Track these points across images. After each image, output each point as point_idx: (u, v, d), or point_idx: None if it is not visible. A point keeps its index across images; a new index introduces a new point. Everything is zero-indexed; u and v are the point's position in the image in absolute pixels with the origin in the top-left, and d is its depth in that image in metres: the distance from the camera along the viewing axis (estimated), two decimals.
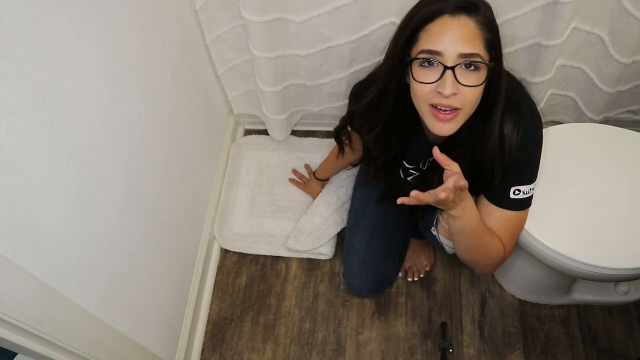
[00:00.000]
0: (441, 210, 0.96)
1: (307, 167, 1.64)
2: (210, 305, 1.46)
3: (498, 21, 0.83)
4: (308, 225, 1.49)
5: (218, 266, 1.53)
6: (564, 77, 1.42)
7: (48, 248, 0.74)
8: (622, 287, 1.36)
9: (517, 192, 0.94)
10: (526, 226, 1.04)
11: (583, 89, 1.44)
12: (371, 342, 1.38)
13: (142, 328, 1.08)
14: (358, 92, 1.06)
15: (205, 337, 1.41)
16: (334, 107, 1.59)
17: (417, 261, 1.46)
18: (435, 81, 0.81)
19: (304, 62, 1.40)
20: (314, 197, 1.56)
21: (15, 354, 0.86)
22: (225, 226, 1.55)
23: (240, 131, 1.79)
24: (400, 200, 0.80)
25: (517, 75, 0.97)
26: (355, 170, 1.51)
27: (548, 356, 1.33)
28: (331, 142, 1.60)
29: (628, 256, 1.02)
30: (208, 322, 1.44)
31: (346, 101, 1.15)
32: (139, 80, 1.02)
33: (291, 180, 1.62)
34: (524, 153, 0.92)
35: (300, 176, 1.62)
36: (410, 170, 1.11)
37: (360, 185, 1.42)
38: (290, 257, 1.52)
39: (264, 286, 1.48)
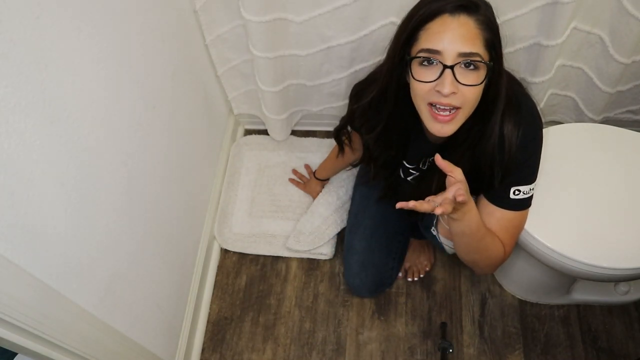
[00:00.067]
0: None
1: (307, 167, 1.64)
2: (210, 305, 1.46)
3: (498, 21, 0.83)
4: (308, 225, 1.49)
5: (218, 266, 1.53)
6: (564, 77, 1.42)
7: (48, 248, 0.74)
8: (622, 287, 1.36)
9: (517, 192, 0.94)
10: (526, 226, 1.04)
11: (583, 89, 1.44)
12: (371, 342, 1.38)
13: (142, 328, 1.08)
14: (358, 91, 1.06)
15: (205, 337, 1.41)
16: (334, 107, 1.59)
17: (417, 261, 1.46)
18: (435, 80, 0.81)
19: (304, 62, 1.40)
20: (314, 197, 1.56)
21: (15, 354, 0.86)
22: (225, 226, 1.55)
23: (240, 131, 1.79)
24: (399, 205, 0.80)
25: (517, 75, 0.97)
26: (355, 170, 1.51)
27: (548, 356, 1.33)
28: (331, 142, 1.60)
29: (628, 256, 1.02)
30: (208, 322, 1.44)
31: (346, 101, 1.15)
32: (139, 80, 1.02)
33: (291, 180, 1.62)
34: (524, 153, 0.91)
35: (300, 176, 1.62)
36: (411, 170, 1.11)
37: (360, 185, 1.42)
38: (290, 257, 1.52)
39: (264, 286, 1.48)
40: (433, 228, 1.08)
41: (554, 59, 1.29)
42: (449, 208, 0.78)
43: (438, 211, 0.76)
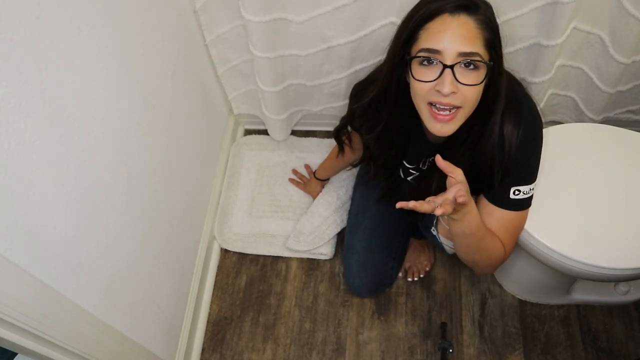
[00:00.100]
0: None
1: (307, 167, 1.64)
2: (210, 305, 1.46)
3: (498, 21, 0.83)
4: (308, 225, 1.49)
5: (218, 266, 1.53)
6: (564, 77, 1.42)
7: (48, 248, 0.74)
8: (622, 287, 1.36)
9: (517, 192, 0.94)
10: (526, 226, 1.04)
11: (583, 89, 1.44)
12: (371, 342, 1.38)
13: (142, 328, 1.08)
14: (358, 91, 1.06)
15: (205, 337, 1.41)
16: (334, 107, 1.59)
17: (417, 261, 1.46)
18: (435, 79, 0.81)
19: (304, 62, 1.40)
20: (314, 197, 1.56)
21: (15, 354, 0.86)
22: (225, 226, 1.55)
23: (240, 131, 1.79)
24: (399, 205, 0.80)
25: (517, 75, 0.97)
26: (355, 170, 1.51)
27: (548, 356, 1.33)
28: (331, 142, 1.60)
29: (628, 256, 1.02)
30: (208, 322, 1.44)
31: (346, 101, 1.15)
32: (139, 80, 1.02)
33: (291, 180, 1.62)
34: (524, 153, 0.91)
35: (300, 176, 1.62)
36: (411, 170, 1.11)
37: (360, 185, 1.42)
38: (290, 257, 1.52)
39: (264, 286, 1.48)
40: (433, 228, 1.08)
41: (554, 59, 1.29)
42: (449, 209, 0.78)
43: (438, 212, 0.76)
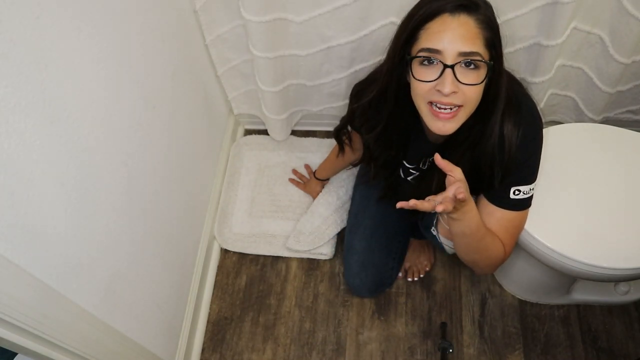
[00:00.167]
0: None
1: (307, 167, 1.64)
2: (210, 305, 1.46)
3: (498, 21, 0.83)
4: (308, 225, 1.48)
5: (218, 266, 1.53)
6: (564, 77, 1.42)
7: (48, 248, 0.74)
8: (622, 287, 1.36)
9: (517, 192, 0.94)
10: (526, 226, 1.04)
11: (583, 89, 1.44)
12: (371, 342, 1.38)
13: (142, 328, 1.08)
14: (358, 91, 1.06)
15: (205, 337, 1.41)
16: (334, 107, 1.59)
17: (417, 261, 1.46)
18: (435, 79, 0.81)
19: (304, 62, 1.40)
20: (314, 197, 1.56)
21: (15, 354, 0.86)
22: (225, 226, 1.55)
23: (240, 131, 1.79)
24: (399, 205, 0.80)
25: (517, 75, 0.97)
26: (355, 170, 1.51)
27: (548, 356, 1.33)
28: (331, 142, 1.60)
29: (628, 256, 1.02)
30: (208, 322, 1.44)
31: (346, 101, 1.15)
32: (139, 80, 1.02)
33: (291, 180, 1.62)
34: (524, 153, 0.91)
35: (300, 176, 1.62)
36: (411, 170, 1.11)
37: (360, 185, 1.42)
38: (290, 257, 1.52)
39: (264, 286, 1.48)
40: (433, 228, 1.08)
41: (554, 59, 1.29)
42: (449, 206, 0.78)
43: (439, 209, 0.76)
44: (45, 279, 0.74)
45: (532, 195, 0.97)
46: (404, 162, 1.10)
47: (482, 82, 0.81)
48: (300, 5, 1.22)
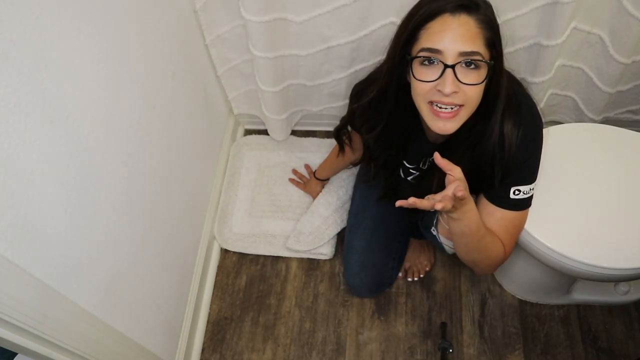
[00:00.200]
0: (442, 211, 0.96)
1: (307, 167, 1.64)
2: (210, 305, 1.46)
3: (498, 20, 0.83)
4: (308, 225, 1.48)
5: (218, 266, 1.53)
6: (564, 77, 1.42)
7: (48, 248, 0.74)
8: (622, 287, 1.36)
9: (517, 192, 0.94)
10: (526, 226, 1.04)
11: (583, 89, 1.44)
12: (371, 342, 1.38)
13: (142, 328, 1.08)
14: (359, 91, 1.06)
15: (205, 337, 1.41)
16: (334, 107, 1.59)
17: (417, 261, 1.46)
18: (436, 79, 0.81)
19: (304, 62, 1.40)
20: (314, 197, 1.55)
21: (15, 354, 0.86)
22: (225, 226, 1.55)
23: (240, 131, 1.79)
24: (398, 203, 0.80)
25: (517, 75, 0.97)
26: (355, 170, 1.51)
27: (548, 356, 1.33)
28: (331, 142, 1.60)
29: (628, 256, 1.02)
30: (208, 322, 1.44)
31: (346, 101, 1.15)
32: (139, 80, 1.02)
33: (291, 180, 1.62)
34: (524, 153, 0.91)
35: (300, 176, 1.62)
36: (411, 170, 1.11)
37: (360, 185, 1.42)
38: (290, 257, 1.52)
39: (264, 286, 1.48)
40: (433, 228, 1.08)
41: (554, 59, 1.29)
42: (448, 204, 0.78)
43: (437, 207, 0.76)
44: (45, 279, 0.74)
45: (532, 195, 0.97)
46: (404, 162, 1.10)
47: (482, 81, 0.81)
48: (300, 5, 1.22)
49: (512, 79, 0.94)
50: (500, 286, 1.44)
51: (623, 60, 1.28)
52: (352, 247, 1.34)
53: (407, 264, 1.46)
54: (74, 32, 0.79)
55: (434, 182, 0.98)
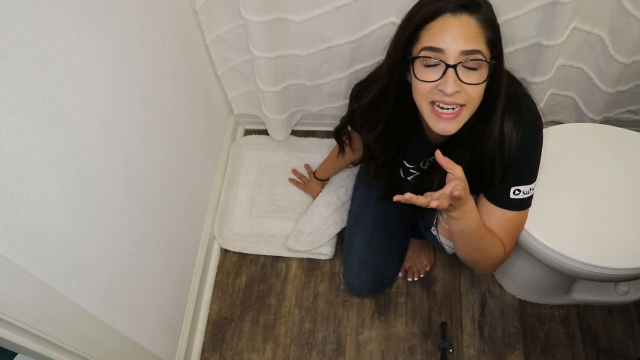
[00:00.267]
0: (441, 210, 0.96)
1: (307, 167, 1.64)
2: (210, 305, 1.46)
3: (498, 20, 0.83)
4: (308, 225, 1.48)
5: (218, 266, 1.53)
6: (564, 77, 1.42)
7: (48, 248, 0.74)
8: (622, 287, 1.36)
9: (517, 192, 0.94)
10: (526, 226, 1.04)
11: (583, 89, 1.44)
12: (371, 342, 1.38)
13: (142, 328, 1.08)
14: (359, 91, 1.06)
15: (205, 337, 1.41)
16: (334, 107, 1.59)
17: (417, 261, 1.46)
18: (438, 79, 0.81)
19: (304, 62, 1.40)
20: (314, 197, 1.55)
21: (15, 354, 0.86)
22: (225, 226, 1.55)
23: (240, 131, 1.79)
24: (396, 198, 0.80)
25: (517, 75, 0.97)
26: (355, 170, 1.51)
27: (548, 356, 1.33)
28: (331, 142, 1.60)
29: (628, 256, 1.02)
30: (208, 322, 1.44)
31: (346, 101, 1.15)
32: (139, 80, 1.02)
33: (291, 180, 1.62)
34: (524, 153, 0.91)
35: (300, 176, 1.62)
36: (411, 170, 1.11)
37: (360, 185, 1.42)
38: (290, 257, 1.52)
39: (264, 286, 1.48)
40: (433, 228, 1.08)
41: (554, 59, 1.29)
42: (445, 203, 0.78)
43: (433, 204, 0.77)
44: (45, 279, 0.73)
45: (532, 195, 0.97)
46: (404, 162, 1.10)
47: (484, 81, 0.81)
48: (300, 5, 1.22)
49: (512, 79, 0.94)
50: (500, 286, 1.44)
51: (623, 60, 1.28)
52: (352, 247, 1.34)
53: (407, 264, 1.46)
54: (74, 32, 0.79)
55: (435, 182, 0.98)
